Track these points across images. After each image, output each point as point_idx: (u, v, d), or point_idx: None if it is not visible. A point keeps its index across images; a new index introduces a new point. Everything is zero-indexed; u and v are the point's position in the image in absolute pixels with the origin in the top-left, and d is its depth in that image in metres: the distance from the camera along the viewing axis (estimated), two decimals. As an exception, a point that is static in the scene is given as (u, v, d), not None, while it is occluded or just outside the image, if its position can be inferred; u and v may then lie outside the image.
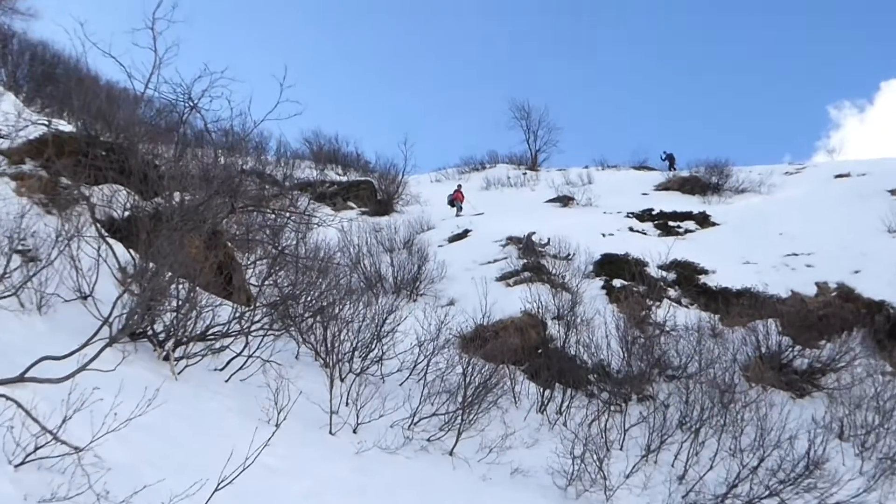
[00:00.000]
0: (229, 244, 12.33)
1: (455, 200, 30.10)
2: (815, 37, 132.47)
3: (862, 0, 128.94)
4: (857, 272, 18.24)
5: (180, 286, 8.75)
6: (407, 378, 11.11)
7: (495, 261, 19.82)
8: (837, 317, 15.78)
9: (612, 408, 11.93)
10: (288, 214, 14.74)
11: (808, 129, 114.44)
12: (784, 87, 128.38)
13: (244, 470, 5.24)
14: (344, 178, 34.09)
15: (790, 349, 14.56)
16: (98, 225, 9.90)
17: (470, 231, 23.83)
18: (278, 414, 7.41)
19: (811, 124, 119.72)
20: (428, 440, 9.23)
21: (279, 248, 12.65)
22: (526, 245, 20.34)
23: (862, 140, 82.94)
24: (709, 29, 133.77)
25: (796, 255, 20.20)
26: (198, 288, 9.09)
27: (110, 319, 7.14)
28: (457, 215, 28.69)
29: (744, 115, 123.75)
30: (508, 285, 17.83)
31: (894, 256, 18.51)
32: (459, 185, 32.13)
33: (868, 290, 17.29)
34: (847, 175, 28.65)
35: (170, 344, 8.33)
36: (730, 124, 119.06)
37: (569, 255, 20.05)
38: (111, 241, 9.79)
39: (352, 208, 30.65)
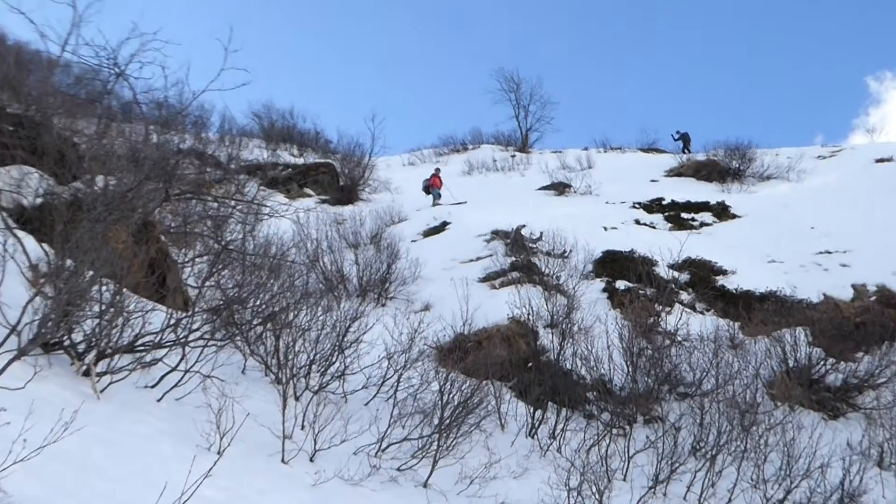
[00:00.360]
0: (163, 238, 12.26)
1: (431, 187, 30.10)
2: (849, 5, 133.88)
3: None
4: (899, 273, 18.51)
5: (104, 288, 8.68)
6: (374, 396, 11.12)
7: (478, 259, 19.89)
8: (877, 324, 15.96)
9: (615, 431, 12.01)
10: (233, 203, 14.68)
11: (843, 105, 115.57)
12: (817, 57, 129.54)
13: (180, 505, 5.23)
14: (300, 161, 34.04)
15: (822, 362, 14.72)
16: (4, 214, 9.80)
17: (449, 224, 23.89)
18: (221, 439, 7.38)
19: (848, 99, 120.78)
20: (398, 469, 9.24)
21: (222, 243, 12.60)
22: (514, 240, 20.41)
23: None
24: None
25: (829, 252, 20.46)
26: (125, 290, 9.03)
27: (18, 327, 7.07)
28: (433, 204, 28.73)
29: (770, 88, 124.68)
30: (494, 287, 17.89)
31: (942, 254, 18.81)
32: (437, 169, 32.16)
33: (912, 293, 17.54)
34: (889, 159, 29.06)
35: (91, 356, 8.26)
36: (754, 100, 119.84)
37: (564, 251, 20.15)
38: (20, 233, 9.69)
39: (309, 196, 30.60)
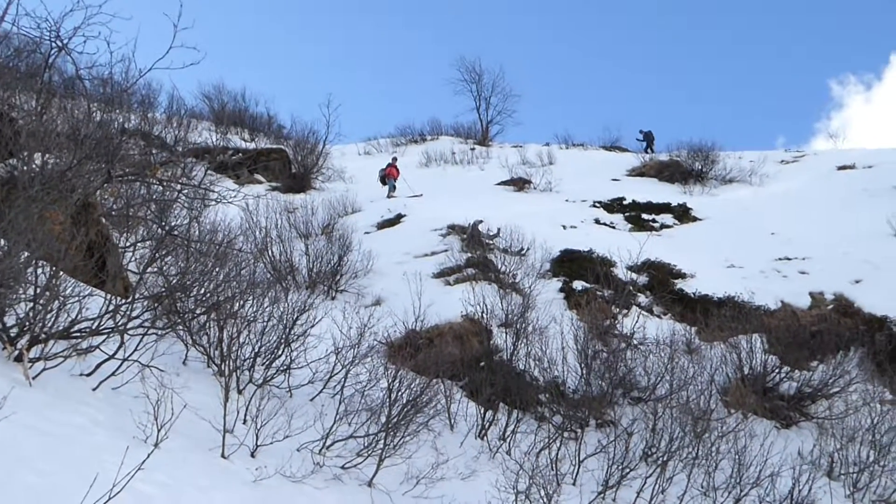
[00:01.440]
0: (103, 220, 12.11)
1: (387, 177, 30.07)
2: (818, 2, 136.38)
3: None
4: (857, 282, 18.94)
5: (39, 270, 8.56)
6: (320, 392, 11.10)
7: (433, 253, 19.94)
8: (833, 333, 16.30)
9: (566, 434, 12.12)
10: (179, 187, 14.55)
11: (806, 108, 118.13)
12: (781, 58, 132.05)
13: (111, 498, 5.18)
14: (251, 145, 33.79)
15: (777, 370, 15.00)
16: (-64, 190, 9.62)
17: (404, 216, 23.92)
18: (158, 431, 7.31)
19: (811, 102, 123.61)
20: (342, 467, 9.24)
21: (166, 228, 12.47)
22: (471, 235, 20.49)
23: (867, 123, 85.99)
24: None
25: (789, 259, 20.85)
26: (62, 273, 8.91)
27: (-52, 308, 6.96)
28: (388, 196, 28.74)
29: (734, 88, 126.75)
30: (448, 283, 17.95)
31: (901, 265, 19.27)
32: (394, 159, 32.15)
33: (869, 303, 17.97)
34: (851, 167, 29.73)
35: (23, 341, 8.14)
36: (717, 99, 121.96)
37: (522, 249, 20.27)
38: (-48, 211, 9.53)
39: (260, 182, 30.42)
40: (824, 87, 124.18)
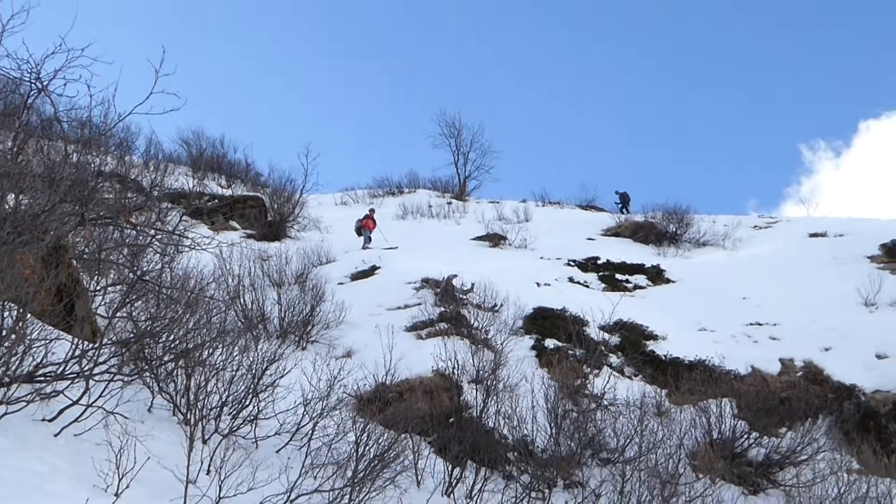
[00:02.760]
0: (75, 263, 12.04)
1: (364, 228, 30.09)
2: (790, 68, 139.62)
3: (841, 30, 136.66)
4: (827, 349, 19.08)
5: (6, 313, 8.49)
6: (286, 444, 10.99)
7: (406, 306, 19.94)
8: (802, 400, 16.37)
9: (534, 494, 12.07)
10: (153, 232, 14.49)
11: (777, 171, 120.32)
12: (754, 120, 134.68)
13: (69, 549, 5.10)
14: (228, 192, 33.83)
15: (746, 436, 15.03)
16: None
17: (378, 268, 23.94)
18: (119, 480, 7.22)
19: (781, 165, 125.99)
20: (306, 523, 9.14)
21: (138, 273, 12.41)
22: (445, 290, 20.53)
23: (837, 190, 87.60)
24: (674, 53, 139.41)
25: (760, 324, 21.01)
26: (29, 316, 8.84)
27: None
28: (364, 247, 28.74)
29: (707, 149, 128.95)
30: (420, 337, 17.94)
31: (870, 335, 19.44)
32: (372, 210, 32.20)
33: (838, 371, 18.09)
34: (823, 234, 30.17)
35: (-14, 384, 8.04)
36: (690, 158, 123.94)
37: (495, 305, 20.32)
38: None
39: (235, 229, 30.40)
40: (795, 151, 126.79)
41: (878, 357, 18.45)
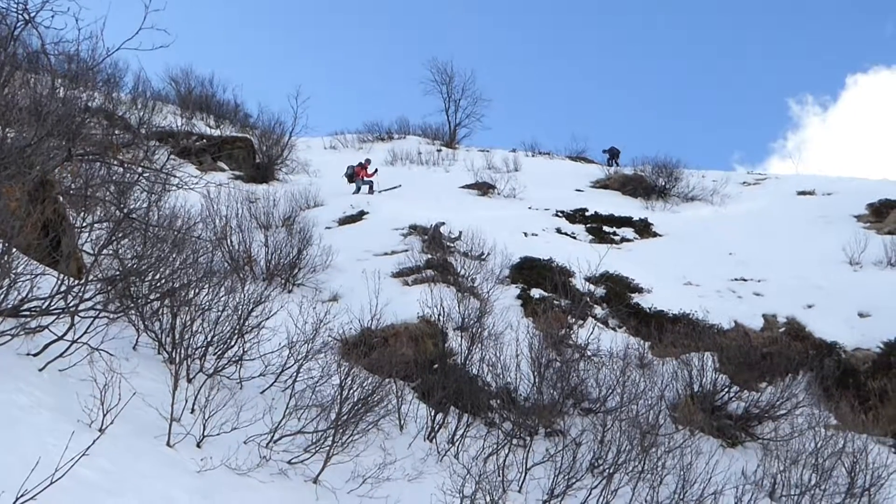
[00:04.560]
0: (61, 199, 11.95)
1: (355, 176, 29.65)
2: (780, 24, 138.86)
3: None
4: (810, 307, 19.26)
5: (-8, 245, 8.44)
6: (271, 385, 11.05)
7: (393, 252, 19.92)
8: (783, 356, 16.51)
9: (515, 441, 12.17)
10: (140, 169, 14.39)
11: (766, 125, 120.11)
12: (743, 72, 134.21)
13: (52, 483, 5.12)
14: (216, 132, 33.49)
15: (726, 389, 15.18)
16: None
17: (366, 213, 23.89)
18: (104, 416, 7.25)
19: (770, 119, 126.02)
20: (289, 462, 9.22)
21: (125, 211, 12.34)
22: (432, 237, 20.51)
23: (823, 146, 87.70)
24: (664, 7, 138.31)
25: (745, 280, 21.14)
26: (14, 250, 8.79)
27: None
28: (354, 193, 28.53)
29: (696, 102, 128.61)
30: (406, 284, 17.95)
31: (853, 292, 19.63)
32: (368, 160, 31.48)
33: (820, 328, 18.29)
34: (811, 192, 30.25)
35: (-29, 317, 8.03)
36: (679, 111, 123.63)
37: (482, 254, 20.33)
38: None
39: (222, 170, 30.19)
40: (784, 104, 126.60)
41: (861, 315, 18.64)
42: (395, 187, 28.25)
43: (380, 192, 28.84)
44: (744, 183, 34.73)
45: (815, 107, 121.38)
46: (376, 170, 30.39)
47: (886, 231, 24.45)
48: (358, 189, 29.18)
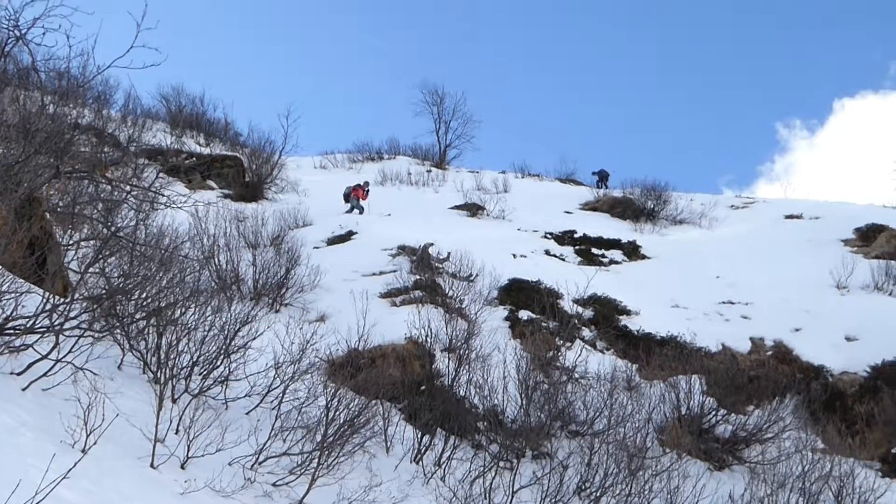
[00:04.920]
0: (48, 216, 11.90)
1: (352, 196, 29.53)
2: (768, 47, 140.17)
3: (819, 10, 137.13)
4: (797, 330, 19.29)
5: (-23, 263, 8.39)
6: (256, 406, 10.99)
7: (382, 273, 19.88)
8: (770, 379, 16.55)
9: (502, 463, 12.15)
10: (128, 188, 14.35)
11: (753, 148, 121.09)
12: (730, 98, 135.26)
13: (34, 504, 5.07)
14: (206, 150, 33.44)
15: (714, 412, 15.20)
16: None
17: (355, 234, 23.84)
18: (87, 437, 7.19)
19: (757, 142, 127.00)
20: (274, 485, 9.15)
21: (112, 229, 12.29)
22: (421, 258, 20.49)
23: (810, 169, 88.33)
24: (653, 31, 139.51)
25: (732, 303, 21.17)
26: (0, 267, 8.75)
27: None
28: (348, 212, 28.47)
29: (683, 124, 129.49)
30: (394, 304, 17.92)
31: (840, 316, 19.67)
32: (366, 183, 31.49)
33: (807, 352, 18.32)
34: (799, 216, 30.36)
35: (-46, 335, 7.96)
36: (666, 134, 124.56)
37: (471, 275, 20.32)
38: None
39: (211, 188, 30.12)
40: (771, 128, 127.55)
41: (848, 339, 18.68)
42: (385, 215, 28.30)
43: (356, 215, 28.61)
44: (732, 206, 34.83)
45: (802, 130, 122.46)
46: (368, 190, 30.39)
47: (873, 255, 24.53)
48: (352, 209, 29.09)
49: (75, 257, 12.34)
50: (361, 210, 29.10)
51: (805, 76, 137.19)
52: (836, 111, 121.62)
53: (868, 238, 26.45)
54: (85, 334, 9.27)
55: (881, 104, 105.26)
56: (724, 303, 21.27)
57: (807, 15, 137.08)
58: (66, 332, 8.95)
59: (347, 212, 28.58)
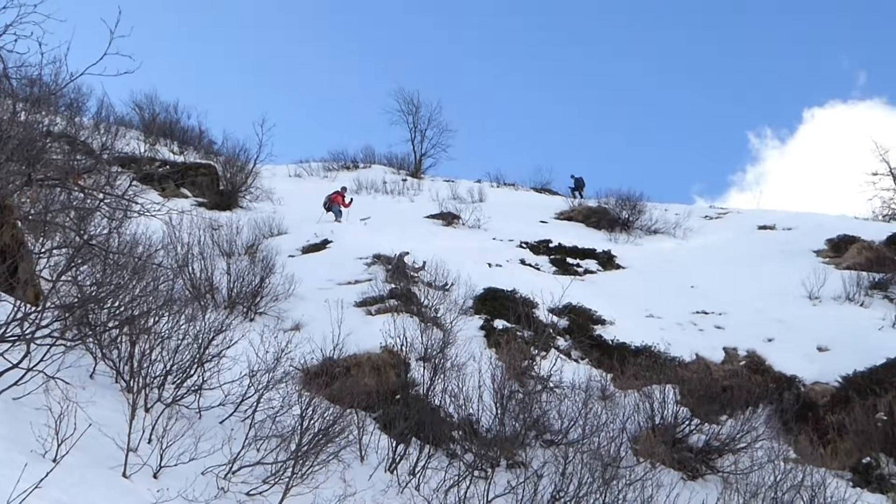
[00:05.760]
0: (19, 224, 11.81)
1: (333, 203, 29.52)
2: (739, 55, 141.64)
3: (788, 18, 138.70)
4: (770, 340, 19.47)
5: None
6: (230, 415, 10.94)
7: (357, 282, 19.89)
8: (743, 389, 16.66)
9: (476, 473, 12.14)
10: (101, 195, 14.27)
11: (725, 157, 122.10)
12: (702, 107, 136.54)
13: (5, 514, 5.04)
14: (180, 159, 33.35)
15: (687, 422, 15.28)
16: None
17: (330, 242, 23.83)
18: (59, 446, 7.14)
19: (729, 151, 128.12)
20: (248, 494, 9.12)
21: (85, 237, 12.22)
22: (396, 267, 20.50)
23: (781, 179, 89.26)
24: (626, 39, 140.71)
25: (706, 313, 21.34)
26: (-30, 276, 8.68)
27: None
28: (336, 220, 28.48)
29: (655, 133, 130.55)
30: (369, 313, 17.92)
31: (813, 327, 19.87)
32: (344, 188, 31.57)
33: (780, 362, 18.49)
34: (772, 227, 30.71)
35: (-77, 344, 7.89)
36: (638, 142, 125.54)
37: (446, 284, 20.35)
38: None
39: (186, 197, 29.99)
40: (743, 137, 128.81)
41: (819, 349, 18.88)
42: (365, 218, 28.34)
43: (341, 222, 28.65)
44: (706, 217, 35.16)
45: (773, 140, 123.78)
46: (351, 200, 30.40)
47: (845, 266, 24.81)
48: (339, 214, 29.03)
49: (47, 265, 12.24)
50: (339, 215, 29.07)
51: (775, 85, 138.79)
52: (805, 120, 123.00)
53: (840, 249, 26.77)
54: (57, 343, 9.20)
55: (849, 114, 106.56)
56: (697, 313, 21.42)
57: (776, 22, 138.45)
58: (38, 341, 8.88)
59: (336, 220, 28.54)
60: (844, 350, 18.48)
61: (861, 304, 21.68)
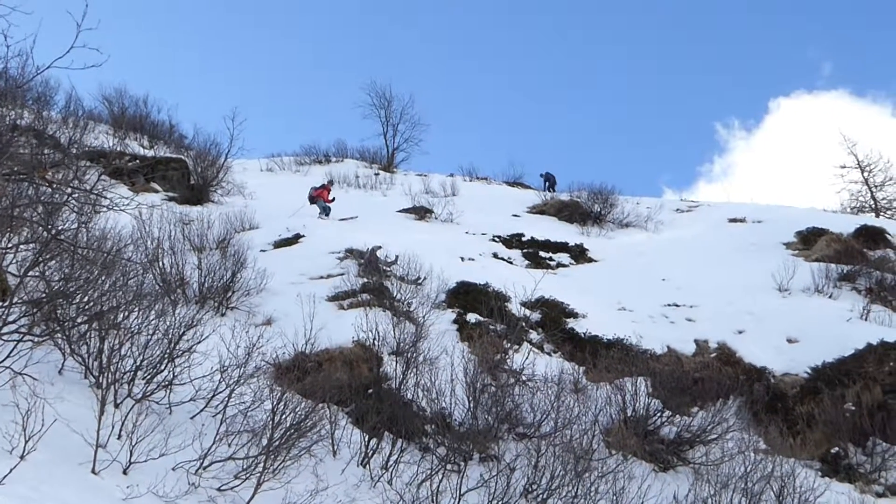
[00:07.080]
0: (-14, 219, 11.68)
1: (318, 198, 29.35)
2: (705, 44, 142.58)
3: (754, 6, 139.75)
4: (740, 332, 19.62)
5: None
6: (201, 410, 10.90)
7: (329, 276, 19.84)
8: (714, 381, 16.79)
9: (449, 466, 12.17)
10: (69, 190, 14.12)
11: (692, 148, 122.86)
12: (669, 97, 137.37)
13: (-30, 511, 4.99)
14: (150, 153, 33.02)
15: (659, 414, 15.38)
16: None
17: (302, 237, 23.75)
18: (26, 443, 7.08)
19: (697, 142, 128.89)
20: (219, 489, 9.10)
21: (52, 232, 12.10)
22: (368, 261, 20.47)
23: (749, 170, 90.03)
24: (595, 30, 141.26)
25: (678, 306, 21.48)
26: (-65, 271, 8.58)
27: None
28: (320, 216, 28.33)
29: (623, 124, 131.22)
30: (342, 308, 17.88)
31: (782, 318, 20.05)
32: (330, 182, 31.46)
33: (750, 354, 18.65)
34: (742, 220, 31.00)
35: None
36: (607, 134, 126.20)
37: (419, 278, 20.34)
38: None
39: (156, 191, 29.75)
40: (710, 127, 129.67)
41: (789, 341, 19.04)
42: (352, 217, 28.33)
43: (327, 219, 28.52)
44: (677, 210, 35.42)
45: (740, 130, 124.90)
46: (334, 198, 30.26)
47: (814, 258, 25.10)
48: (324, 212, 28.83)
49: (14, 261, 12.12)
50: (324, 210, 28.90)
51: (741, 74, 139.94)
52: (772, 111, 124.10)
53: (809, 241, 27.10)
54: (24, 339, 9.15)
55: (815, 104, 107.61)
56: (669, 305, 21.56)
57: (742, 11, 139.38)
58: (5, 337, 8.82)
59: (321, 216, 28.38)
60: (814, 342, 18.65)
61: (830, 296, 21.91)
